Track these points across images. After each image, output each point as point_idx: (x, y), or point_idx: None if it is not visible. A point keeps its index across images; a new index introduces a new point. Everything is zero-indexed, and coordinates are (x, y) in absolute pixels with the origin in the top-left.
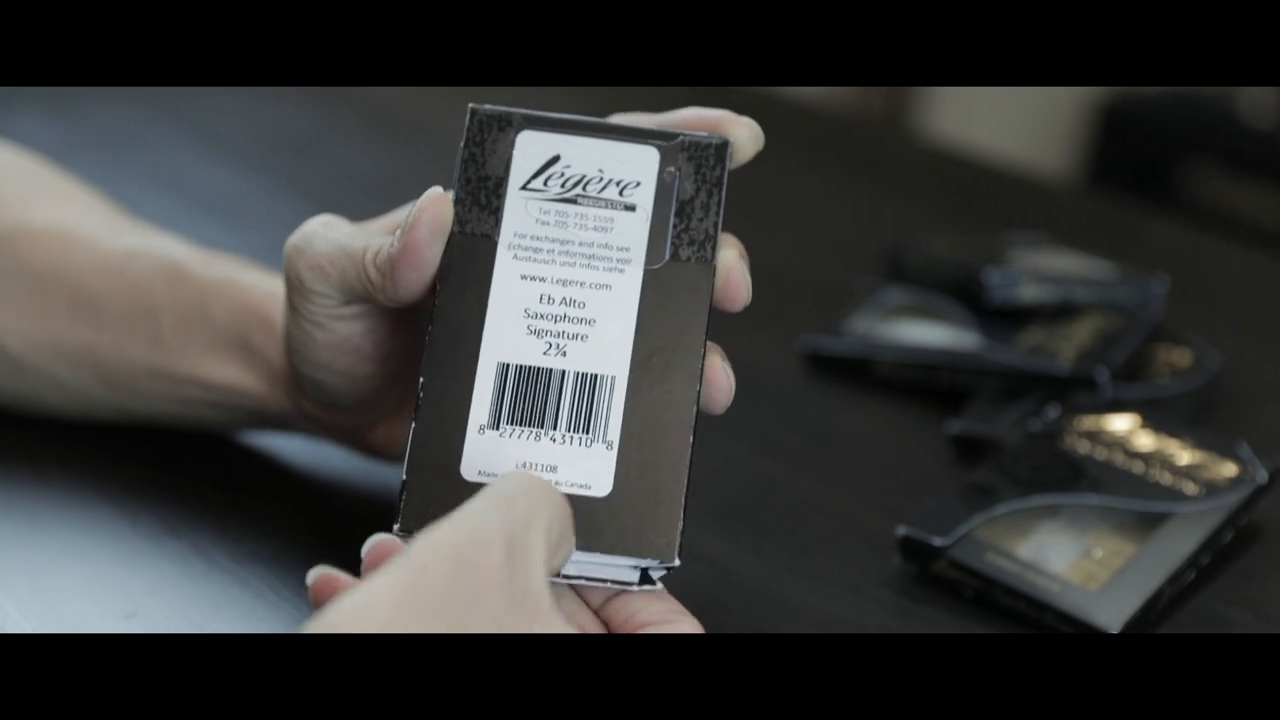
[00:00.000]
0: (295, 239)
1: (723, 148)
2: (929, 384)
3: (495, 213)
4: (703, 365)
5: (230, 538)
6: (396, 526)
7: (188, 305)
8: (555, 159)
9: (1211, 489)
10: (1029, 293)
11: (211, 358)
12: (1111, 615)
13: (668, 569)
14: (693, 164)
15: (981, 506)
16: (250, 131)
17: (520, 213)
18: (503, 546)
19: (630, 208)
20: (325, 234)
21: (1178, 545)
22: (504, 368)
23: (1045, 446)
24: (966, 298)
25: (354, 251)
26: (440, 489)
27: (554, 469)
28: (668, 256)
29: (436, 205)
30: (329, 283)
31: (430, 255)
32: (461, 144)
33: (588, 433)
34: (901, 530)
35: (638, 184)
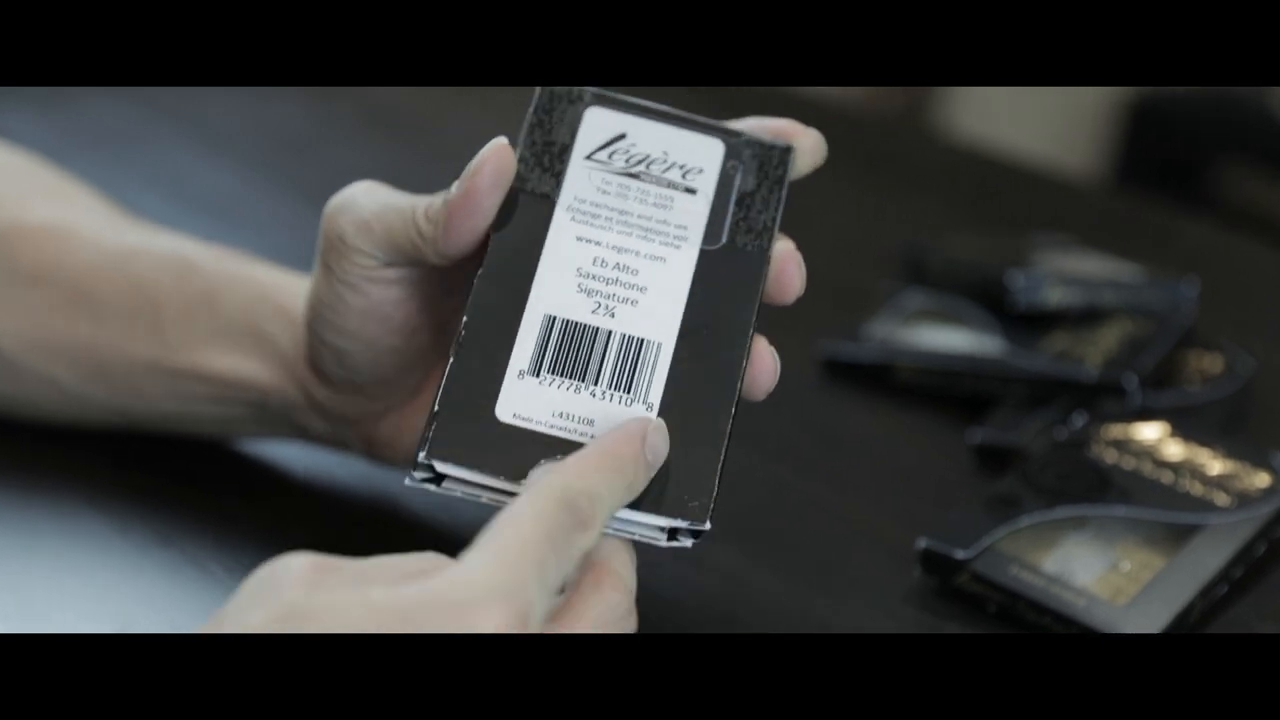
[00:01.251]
0: (337, 199)
1: (787, 152)
2: (950, 391)
3: (557, 176)
4: (749, 347)
5: (224, 547)
6: (422, 454)
7: (193, 297)
8: (621, 136)
9: (1244, 500)
10: (1054, 296)
11: (212, 348)
12: (1140, 631)
13: (697, 534)
14: (756, 161)
15: (1005, 518)
16: (250, 131)
17: (582, 179)
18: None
19: (691, 190)
20: (372, 194)
21: (1209, 558)
22: (550, 319)
23: (1071, 456)
24: (989, 301)
25: (403, 208)
26: (472, 424)
27: (591, 422)
28: (724, 240)
29: (500, 154)
30: (373, 239)
31: (489, 204)
32: (529, 111)
33: (629, 392)
34: (922, 542)
35: (701, 170)
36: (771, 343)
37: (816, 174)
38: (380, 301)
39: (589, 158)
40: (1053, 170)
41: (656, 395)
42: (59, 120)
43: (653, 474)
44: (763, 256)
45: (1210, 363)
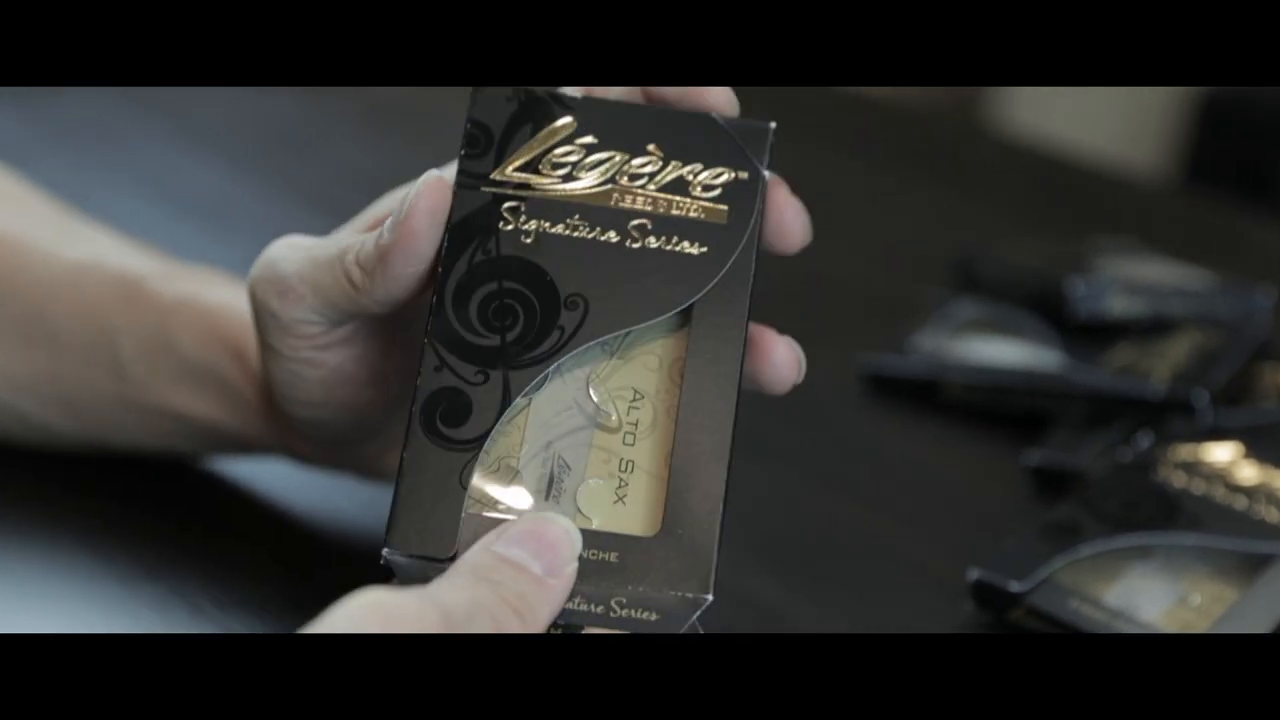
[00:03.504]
0: (255, 271)
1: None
2: (1004, 409)
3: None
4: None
5: (215, 582)
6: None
7: (147, 330)
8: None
9: None
10: (1118, 305)
11: (182, 390)
12: None
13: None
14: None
15: (1064, 547)
16: (238, 125)
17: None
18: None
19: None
20: (287, 254)
21: None
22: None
23: (1136, 479)
24: (1047, 311)
25: (325, 260)
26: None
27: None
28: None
29: (435, 190)
30: (304, 305)
31: (427, 245)
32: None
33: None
34: (974, 573)
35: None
36: (812, 355)
37: (857, 173)
38: (338, 365)
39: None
40: (1116, 169)
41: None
42: (31, 114)
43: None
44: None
45: None
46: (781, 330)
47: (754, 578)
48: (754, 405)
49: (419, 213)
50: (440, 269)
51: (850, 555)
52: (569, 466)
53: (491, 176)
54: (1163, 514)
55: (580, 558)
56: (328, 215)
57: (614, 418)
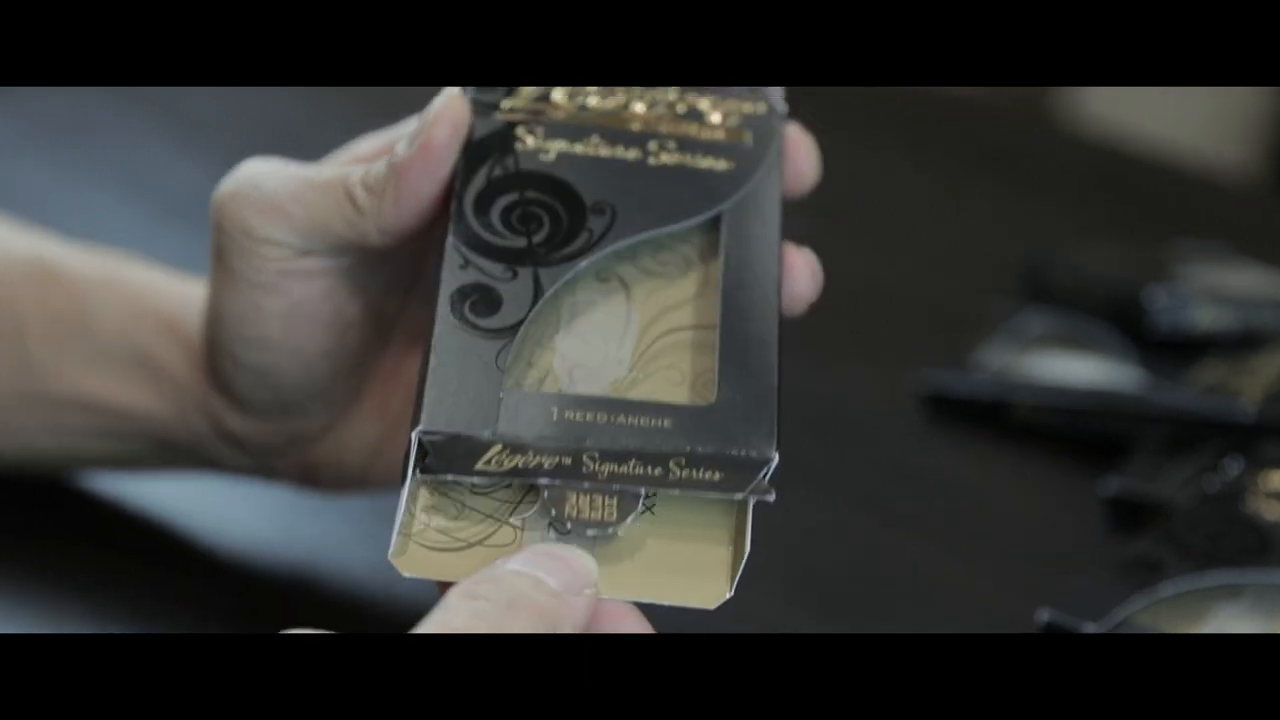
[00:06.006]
0: (230, 187)
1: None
2: (1078, 432)
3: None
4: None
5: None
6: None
7: (61, 312)
8: None
9: None
10: (1204, 318)
11: (96, 374)
12: None
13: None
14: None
15: (1144, 585)
16: (230, 120)
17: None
18: None
19: None
20: (280, 172)
21: None
22: None
23: (1224, 511)
24: (1125, 324)
25: (323, 182)
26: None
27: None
28: None
29: (456, 105)
30: (289, 225)
31: (446, 162)
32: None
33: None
34: (1044, 615)
35: None
36: (864, 373)
37: (915, 173)
38: (303, 298)
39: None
40: (1201, 167)
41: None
42: (5, 108)
43: None
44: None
45: None
46: (833, 347)
47: (795, 615)
48: (799, 427)
49: (442, 122)
50: (456, 185)
51: (905, 594)
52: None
53: (503, 105)
54: (1253, 549)
55: (631, 425)
56: None
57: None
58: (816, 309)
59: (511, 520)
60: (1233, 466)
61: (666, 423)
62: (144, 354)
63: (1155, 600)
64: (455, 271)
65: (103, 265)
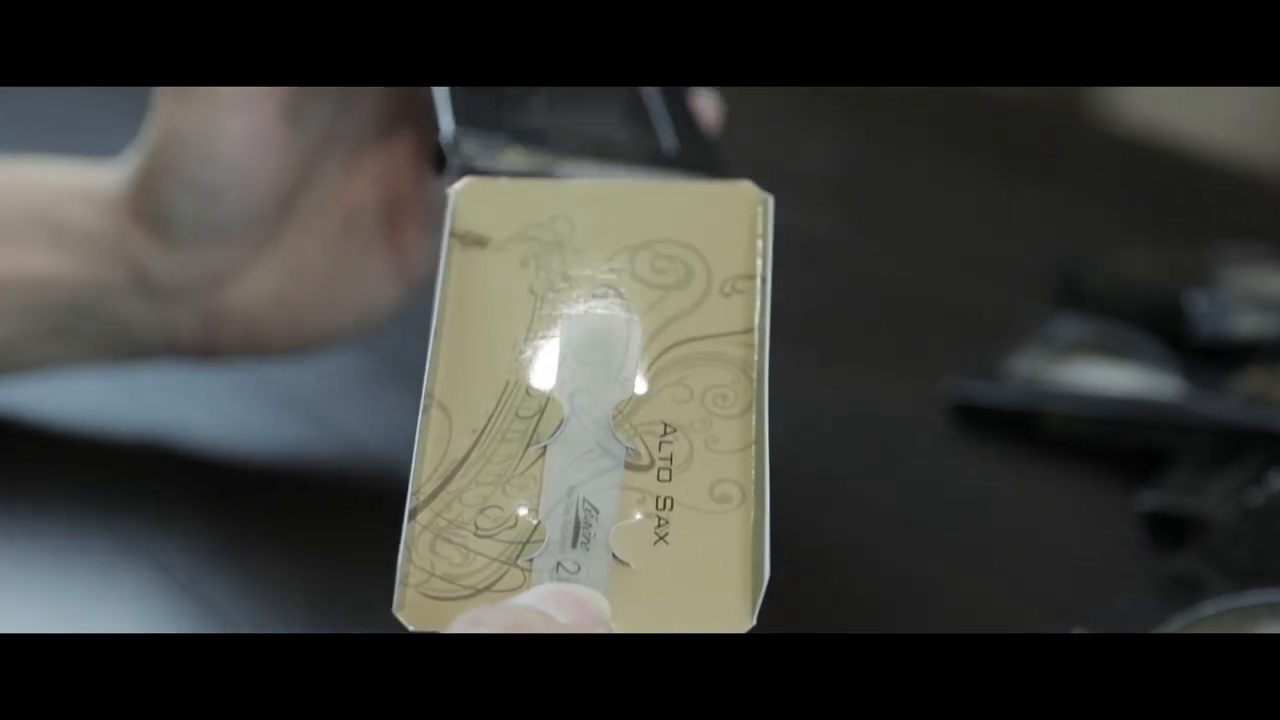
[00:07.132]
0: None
1: None
2: (1115, 444)
3: None
4: None
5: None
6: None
7: None
8: None
9: None
10: (1247, 324)
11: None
12: None
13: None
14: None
15: (1185, 604)
16: None
17: None
18: None
19: None
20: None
21: None
22: None
23: (1268, 526)
24: (1164, 331)
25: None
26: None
27: None
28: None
29: None
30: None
31: None
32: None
33: None
34: (1079, 634)
35: None
36: (890, 381)
37: (943, 172)
38: (267, 121)
39: None
40: (1243, 167)
41: None
42: (3, 108)
43: None
44: None
45: None
46: (859, 354)
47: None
48: (822, 438)
49: None
50: None
51: (933, 613)
52: (596, 510)
53: None
54: None
55: None
56: None
57: (643, 455)
58: (843, 313)
59: (519, 562)
60: (1276, 479)
61: None
62: (54, 219)
63: (1196, 619)
64: None
65: (5, 159)
